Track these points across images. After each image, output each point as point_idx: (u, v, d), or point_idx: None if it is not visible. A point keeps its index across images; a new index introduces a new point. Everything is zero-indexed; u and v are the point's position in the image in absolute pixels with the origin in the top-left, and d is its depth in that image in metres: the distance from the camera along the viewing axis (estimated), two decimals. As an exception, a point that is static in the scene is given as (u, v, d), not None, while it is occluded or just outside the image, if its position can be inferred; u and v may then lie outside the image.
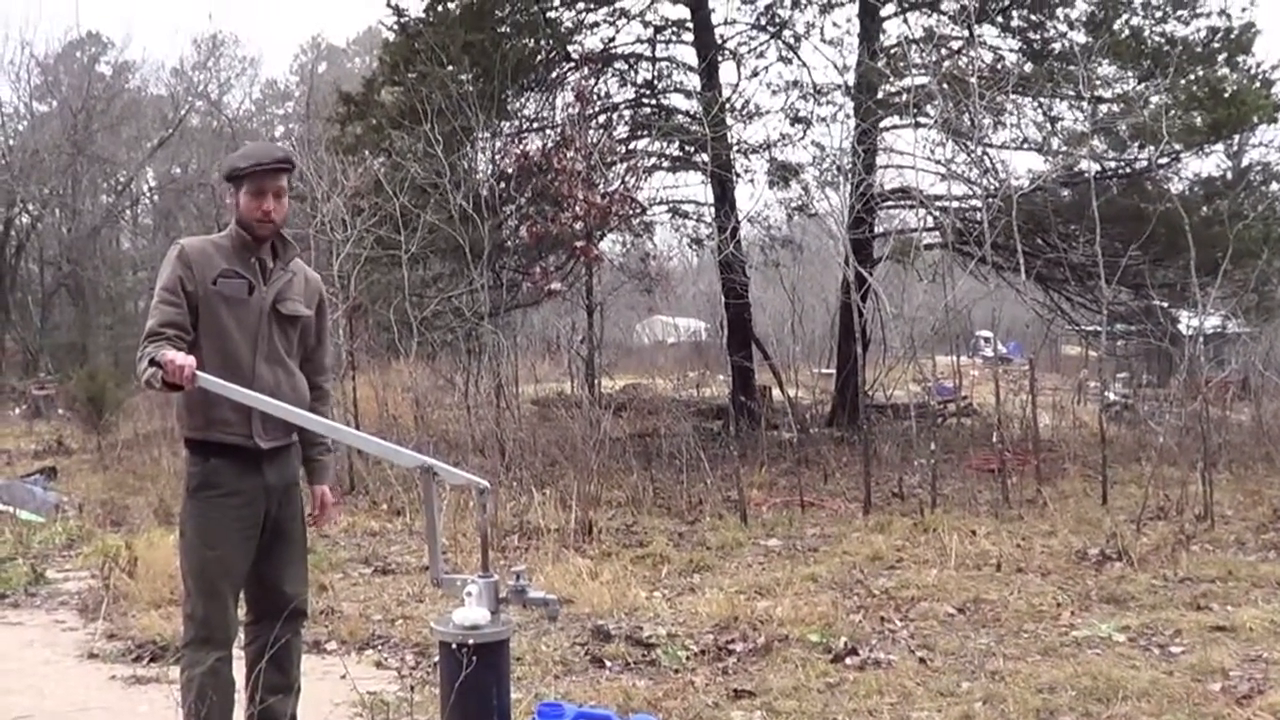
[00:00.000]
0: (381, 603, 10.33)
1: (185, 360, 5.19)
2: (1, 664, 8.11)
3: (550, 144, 22.19)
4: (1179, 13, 20.78)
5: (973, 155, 21.14)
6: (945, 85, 18.81)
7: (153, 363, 5.25)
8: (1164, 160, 20.46)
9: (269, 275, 5.91)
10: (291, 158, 6.10)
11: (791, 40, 25.02)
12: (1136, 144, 20.61)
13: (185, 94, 55.07)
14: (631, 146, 25.12)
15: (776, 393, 24.11)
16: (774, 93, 25.65)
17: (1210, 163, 23.00)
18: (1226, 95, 19.59)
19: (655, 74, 25.69)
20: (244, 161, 5.90)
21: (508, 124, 23.34)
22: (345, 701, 7.45)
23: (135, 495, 16.42)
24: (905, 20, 24.22)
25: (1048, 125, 22.59)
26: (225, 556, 5.77)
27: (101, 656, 8.79)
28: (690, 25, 24.72)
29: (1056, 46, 21.48)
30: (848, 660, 8.19)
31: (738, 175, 24.79)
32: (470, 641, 5.00)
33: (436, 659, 6.02)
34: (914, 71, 21.14)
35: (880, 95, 21.88)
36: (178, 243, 5.90)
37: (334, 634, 9.18)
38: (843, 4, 24.23)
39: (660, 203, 26.25)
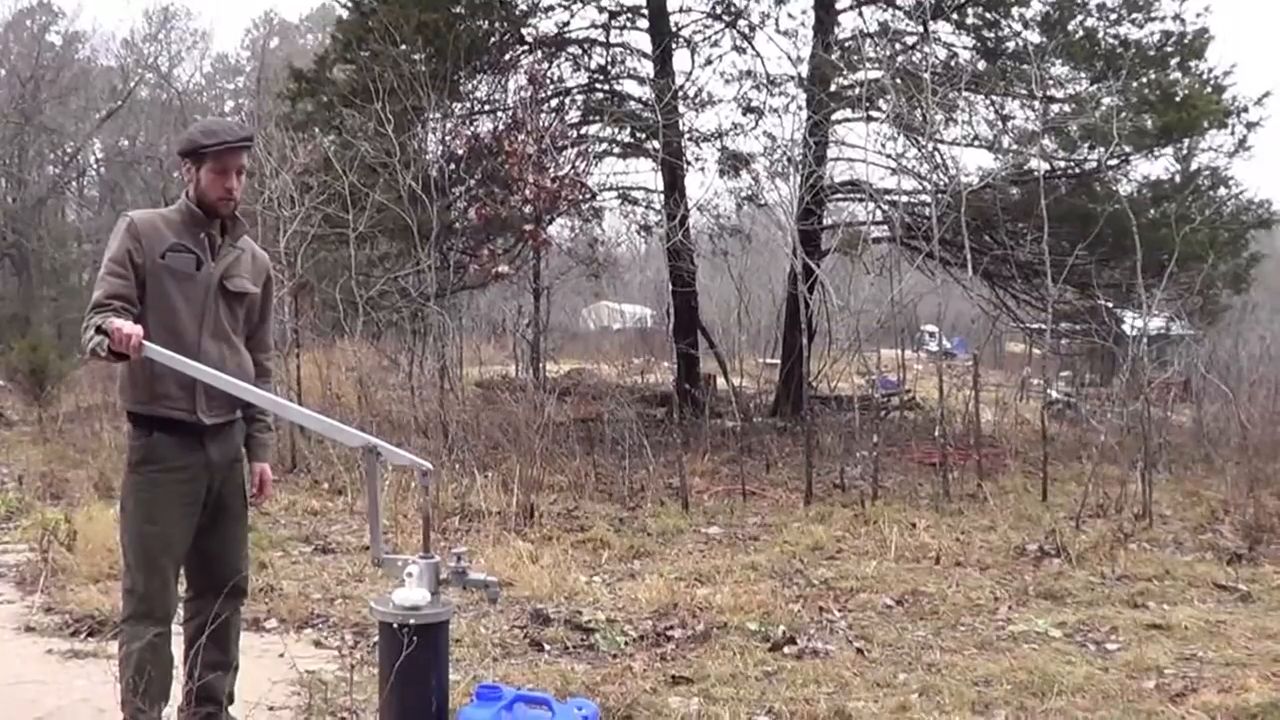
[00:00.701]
0: (321, 581, 10.29)
1: (133, 329, 5.16)
2: (-63, 635, 8.08)
3: (501, 127, 22.18)
4: (1133, 16, 20.88)
5: (923, 151, 21.17)
6: (898, 80, 18.84)
7: (99, 331, 5.22)
8: (1113, 162, 20.55)
9: (218, 251, 5.88)
10: (253, 137, 6.09)
11: (746, 30, 25.05)
12: (1087, 145, 20.71)
13: (135, 66, 54.79)
14: (583, 131, 25.13)
15: (721, 381, 24.16)
16: (727, 82, 25.71)
17: (1159, 165, 23.16)
18: (1178, 99, 19.71)
19: (609, 59, 25.66)
20: (208, 139, 5.84)
21: (459, 105, 23.30)
22: (284, 680, 7.43)
23: (75, 468, 16.33)
24: (860, 14, 24.33)
25: (999, 123, 22.68)
26: (166, 532, 5.74)
27: (39, 630, 8.73)
28: (645, 12, 24.69)
29: (1010, 45, 21.53)
30: (786, 649, 8.21)
31: (688, 163, 24.84)
32: (410, 622, 5.00)
33: (376, 639, 6.02)
34: (867, 65, 21.18)
35: (833, 88, 21.93)
36: (127, 215, 5.87)
37: (273, 612, 9.15)
38: (799, -5, 24.29)
39: (610, 188, 26.27)
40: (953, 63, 21.94)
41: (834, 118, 22.29)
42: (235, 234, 5.99)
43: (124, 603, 5.88)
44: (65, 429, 20.67)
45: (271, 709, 6.94)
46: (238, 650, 6.26)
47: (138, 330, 5.18)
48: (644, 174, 33.01)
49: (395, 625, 5.02)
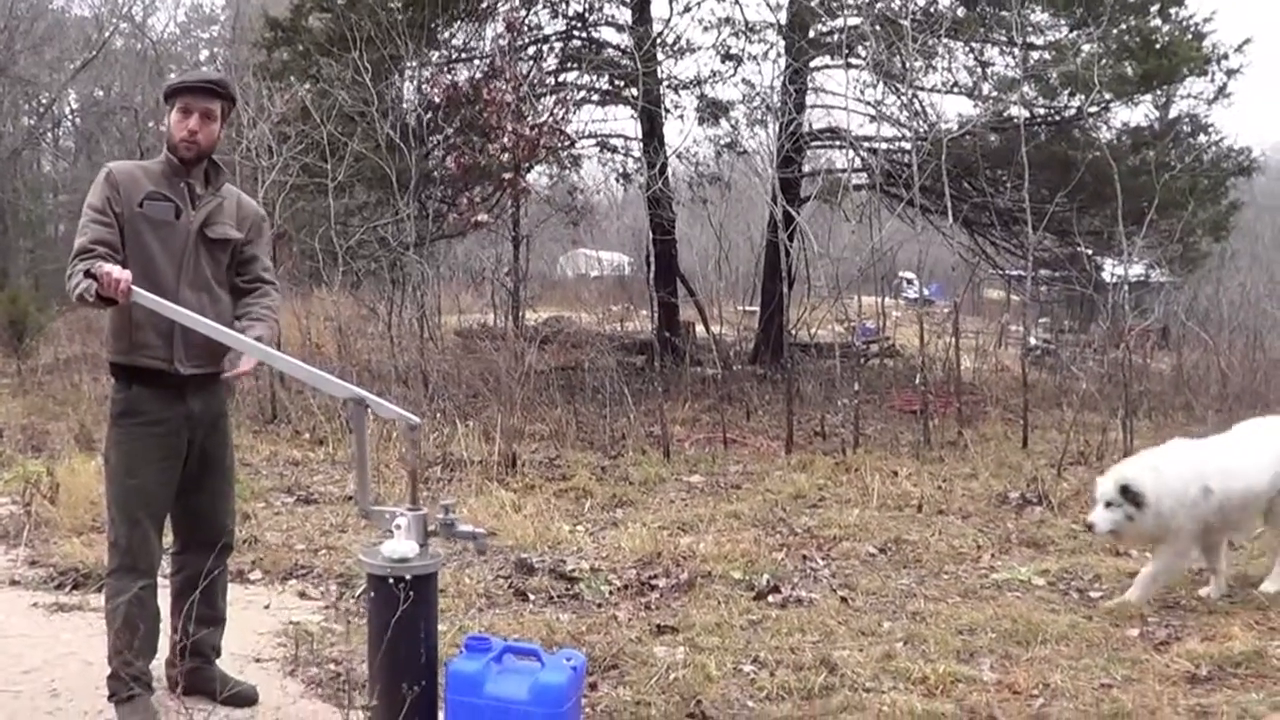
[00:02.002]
0: (304, 532, 10.30)
1: (122, 274, 5.19)
2: (-80, 589, 8.07)
3: (479, 75, 22.07)
4: (1114, -39, 20.85)
5: (903, 97, 21.14)
6: (878, 27, 18.82)
7: (88, 274, 5.22)
8: (1093, 109, 20.52)
9: (197, 200, 5.87)
10: (226, 84, 6.05)
11: (726, -24, 24.93)
12: (1067, 92, 20.68)
13: (109, 16, 54.31)
14: (561, 79, 25.02)
15: (700, 329, 24.14)
16: (705, 29, 25.49)
17: (1139, 113, 23.05)
18: (1158, 46, 19.68)
19: (587, 6, 25.50)
20: (176, 80, 5.95)
21: (437, 53, 23.18)
22: (269, 631, 7.45)
23: (56, 421, 16.28)
24: (840, -41, 24.23)
25: (979, 70, 22.62)
26: (146, 485, 5.77)
27: (23, 584, 8.71)
28: (624, -42, 24.60)
29: (990, -9, 21.49)
30: (770, 598, 8.25)
31: (667, 111, 24.73)
32: (402, 575, 5.00)
33: (360, 591, 6.01)
34: (846, 12, 21.10)
35: (812, 35, 21.89)
36: (107, 165, 5.88)
37: (257, 564, 9.15)
38: (777, -59, 24.16)
39: (589, 136, 26.15)
40: (932, 9, 21.79)
41: (813, 65, 22.25)
42: (217, 183, 5.99)
43: (109, 555, 5.91)
44: (44, 381, 20.59)
45: (259, 660, 6.97)
46: (225, 604, 6.29)
47: (126, 275, 5.21)
48: (623, 121, 33.14)
49: (385, 578, 5.01)
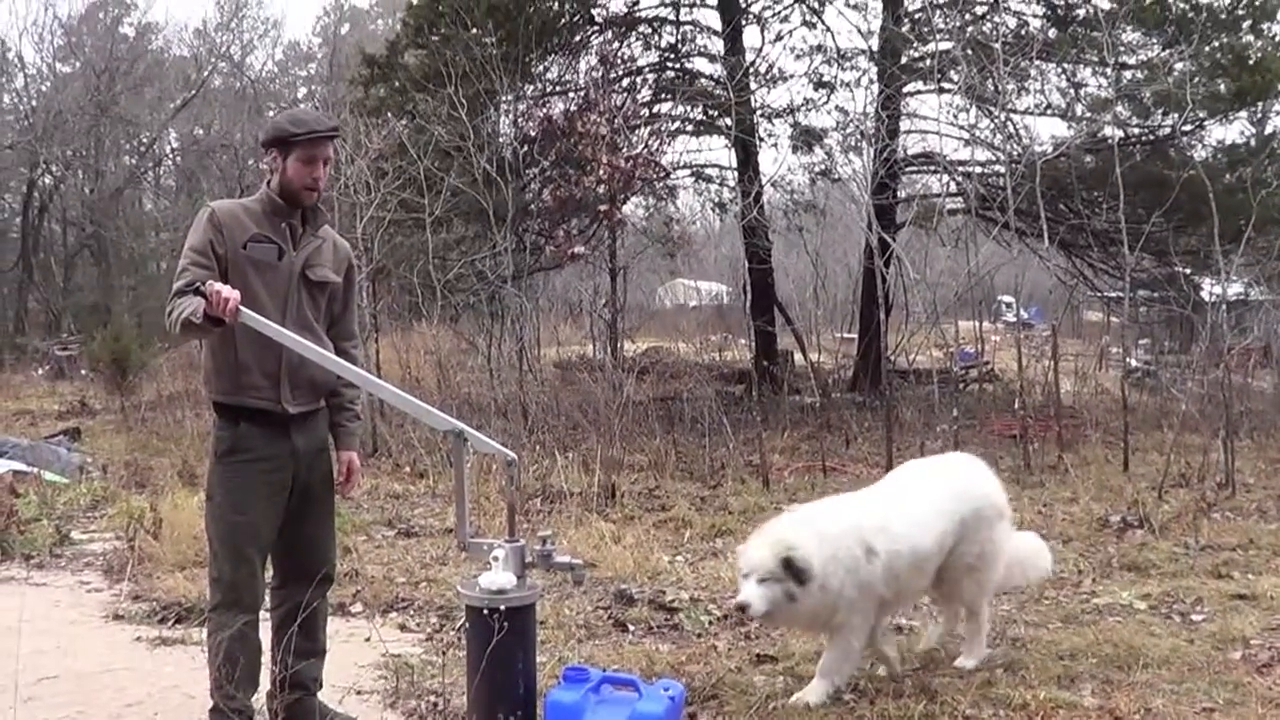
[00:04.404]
0: (405, 565, 10.37)
1: (231, 293, 5.22)
2: (28, 625, 8.14)
3: (574, 107, 22.17)
4: (1204, -21, 20.72)
5: (996, 121, 21.11)
6: (969, 51, 18.80)
7: (197, 292, 5.27)
8: (1188, 127, 20.39)
9: (299, 241, 5.94)
10: (339, 126, 6.11)
11: (815, 4, 24.95)
12: (1160, 111, 20.54)
13: (208, 55, 54.93)
14: (655, 110, 25.13)
15: (799, 357, 24.14)
16: (797, 57, 25.54)
17: (1234, 130, 22.93)
18: (1251, 62, 19.50)
19: (679, 38, 25.63)
20: (298, 128, 5.91)
21: (531, 87, 23.33)
22: (371, 664, 7.50)
23: (159, 456, 16.46)
24: (930, -15, 24.20)
25: (1071, 91, 22.54)
26: (253, 521, 5.82)
27: (126, 618, 8.83)
28: (714, -11, 24.67)
29: (1081, 12, 21.38)
30: (869, 626, 8.21)
31: (761, 140, 24.75)
32: (499, 606, 5.03)
33: (461, 622, 6.05)
34: (938, 36, 21.12)
35: (904, 60, 21.87)
36: (208, 205, 5.93)
37: (359, 596, 9.22)
38: (868, -32, 24.18)
39: (683, 167, 26.26)
40: (1023, 31, 21.79)
41: (905, 90, 22.21)
42: (316, 224, 6.05)
43: (211, 591, 5.96)
44: (148, 417, 20.80)
45: (359, 693, 7.01)
46: (325, 636, 6.33)
47: (235, 295, 5.23)
48: (717, 151, 33.19)
49: (483, 609, 5.05)
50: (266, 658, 6.06)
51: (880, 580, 6.80)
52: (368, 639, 7.80)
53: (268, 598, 6.14)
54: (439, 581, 9.66)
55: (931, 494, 7.31)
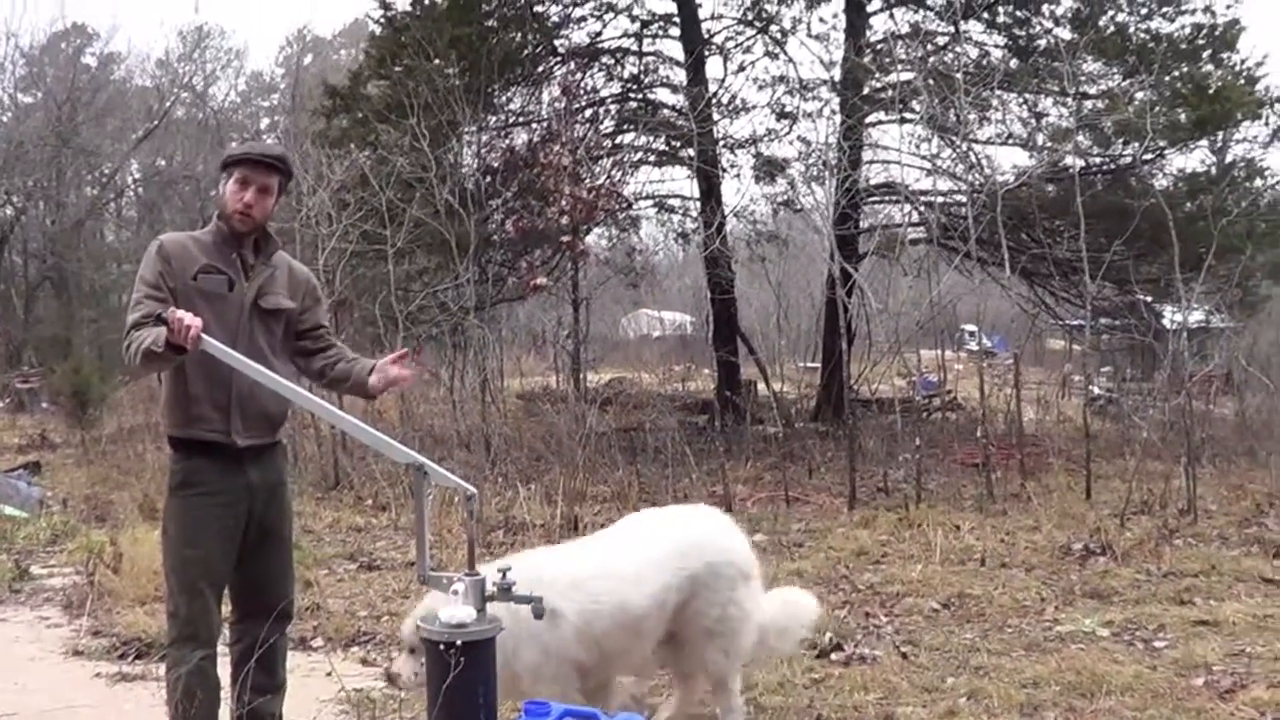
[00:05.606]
0: (367, 599, 10.33)
1: (193, 320, 5.15)
2: (-13, 661, 8.12)
3: (536, 138, 22.24)
4: (1164, 9, 20.89)
5: (958, 151, 21.15)
6: (931, 81, 18.85)
7: (159, 319, 5.21)
8: (1148, 156, 20.49)
9: (250, 271, 5.92)
10: (286, 159, 6.07)
11: (778, 35, 24.99)
12: (1121, 140, 20.66)
13: (170, 86, 54.88)
14: (618, 141, 25.16)
15: (762, 387, 24.15)
16: (760, 88, 25.57)
17: (1194, 158, 23.06)
18: (1211, 92, 19.65)
19: (642, 69, 25.67)
20: (235, 151, 6.00)
21: (494, 118, 23.36)
22: (332, 699, 7.48)
23: (120, 490, 16.38)
24: (892, 16, 24.29)
25: (1033, 121, 22.66)
26: (206, 556, 5.79)
27: (86, 654, 8.79)
28: (677, 20, 24.69)
29: (1042, 43, 21.55)
30: (833, 656, 8.21)
31: (724, 170, 24.78)
32: (457, 640, 5.01)
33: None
34: (900, 67, 21.15)
35: (866, 91, 21.93)
36: (157, 239, 5.93)
37: (319, 630, 9.19)
38: (829, -1, 24.28)
39: (646, 197, 26.27)
40: (985, 62, 21.91)
41: (868, 120, 22.28)
42: (268, 252, 6.03)
43: (169, 626, 5.93)
44: (108, 451, 20.73)
45: (320, 728, 6.98)
46: (284, 671, 6.28)
47: (198, 321, 5.17)
48: (680, 182, 33.20)
49: (442, 643, 5.03)
50: (226, 693, 6.03)
51: (572, 643, 6.04)
52: (329, 674, 7.76)
53: (226, 633, 6.11)
54: (401, 615, 9.60)
55: (654, 547, 6.56)
